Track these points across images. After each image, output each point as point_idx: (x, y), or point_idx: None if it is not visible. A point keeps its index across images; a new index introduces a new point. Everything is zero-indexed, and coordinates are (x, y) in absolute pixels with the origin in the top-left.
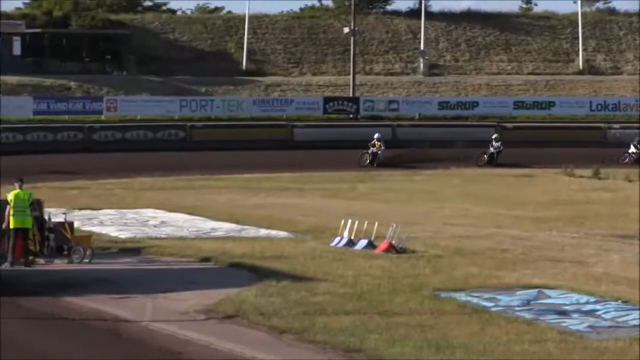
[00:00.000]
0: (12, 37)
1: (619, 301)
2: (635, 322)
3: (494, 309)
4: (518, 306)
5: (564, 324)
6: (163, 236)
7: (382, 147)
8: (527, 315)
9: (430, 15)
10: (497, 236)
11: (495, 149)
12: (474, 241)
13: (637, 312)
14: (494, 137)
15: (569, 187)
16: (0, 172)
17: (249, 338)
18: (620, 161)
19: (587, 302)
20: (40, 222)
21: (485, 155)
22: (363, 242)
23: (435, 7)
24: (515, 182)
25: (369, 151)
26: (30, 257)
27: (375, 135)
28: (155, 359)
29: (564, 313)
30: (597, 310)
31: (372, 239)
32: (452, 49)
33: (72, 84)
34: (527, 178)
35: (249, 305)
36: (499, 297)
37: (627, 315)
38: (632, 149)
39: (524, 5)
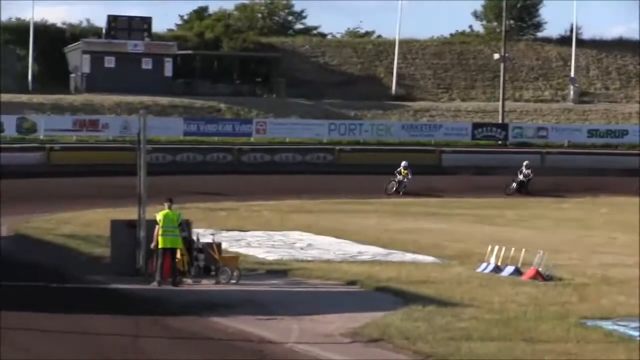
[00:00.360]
0: (164, 59)
1: None
2: None
3: None
4: None
5: None
6: (309, 259)
7: (409, 176)
8: None
9: (581, 43)
10: None
11: (525, 176)
12: (622, 269)
13: None
14: (525, 164)
15: None
16: (150, 192)
17: None
18: None
19: None
20: (188, 242)
21: (514, 183)
22: (510, 269)
23: (586, 34)
24: None
25: (396, 179)
26: (178, 277)
27: (403, 163)
28: None
29: None
30: None
31: (519, 265)
32: (602, 76)
33: (222, 105)
34: None
35: (394, 329)
36: None
37: None
38: None
39: None
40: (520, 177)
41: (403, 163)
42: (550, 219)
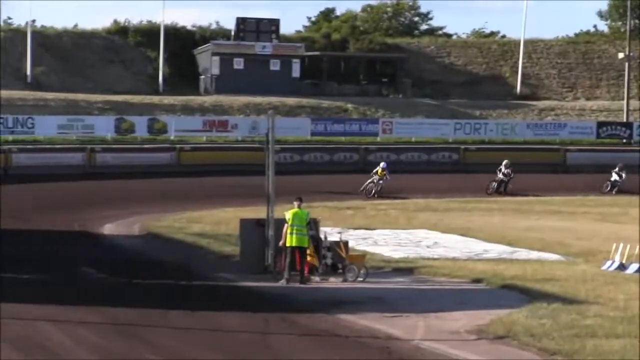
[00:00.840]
0: (292, 60)
1: None
2: None
3: None
4: None
5: None
6: (435, 257)
7: (387, 177)
8: None
9: None
10: None
11: (505, 175)
12: None
13: None
14: (504, 163)
15: None
16: (278, 191)
17: (519, 359)
18: None
19: None
20: (316, 240)
21: (494, 183)
22: (634, 266)
23: None
24: None
25: (497, 178)
26: (306, 275)
27: (381, 164)
28: None
29: None
30: None
31: None
32: None
33: (349, 106)
34: None
35: (520, 326)
36: None
37: None
38: None
39: None
40: (500, 175)
41: (382, 164)
42: None
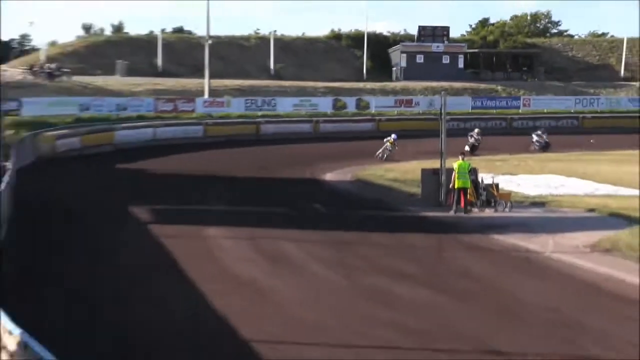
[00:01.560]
0: (457, 55)
1: None
2: None
3: None
4: None
5: None
6: (561, 194)
7: (396, 147)
8: None
9: None
10: None
11: (476, 140)
12: None
13: None
14: (476, 131)
15: None
16: (447, 149)
17: (622, 266)
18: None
19: None
20: (475, 183)
21: (466, 146)
22: None
23: None
24: None
25: (386, 147)
26: (468, 208)
27: (392, 136)
28: (554, 277)
29: None
30: None
31: None
32: None
33: (499, 87)
34: None
35: (623, 242)
36: None
37: None
38: None
39: None
40: (471, 140)
41: (393, 135)
42: None
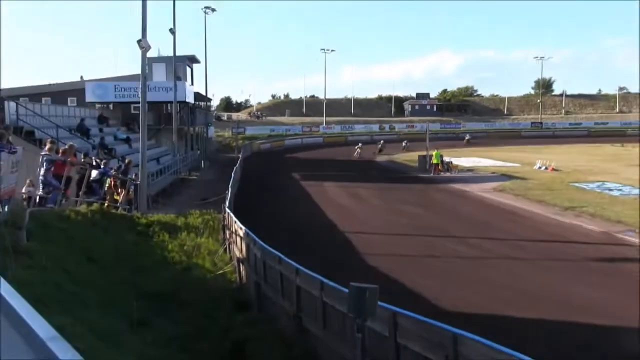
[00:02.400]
0: (433, 105)
1: None
2: None
3: None
4: None
5: None
6: (479, 165)
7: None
8: None
9: None
10: None
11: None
12: None
13: None
14: (381, 142)
15: None
16: (427, 147)
17: (508, 197)
18: None
19: None
20: (442, 161)
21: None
22: (540, 165)
23: None
24: None
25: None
26: (439, 173)
27: (359, 145)
28: (476, 202)
29: None
30: None
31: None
32: None
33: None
34: None
35: (508, 187)
36: None
37: None
38: None
39: None
40: (379, 146)
41: (382, 140)
42: None
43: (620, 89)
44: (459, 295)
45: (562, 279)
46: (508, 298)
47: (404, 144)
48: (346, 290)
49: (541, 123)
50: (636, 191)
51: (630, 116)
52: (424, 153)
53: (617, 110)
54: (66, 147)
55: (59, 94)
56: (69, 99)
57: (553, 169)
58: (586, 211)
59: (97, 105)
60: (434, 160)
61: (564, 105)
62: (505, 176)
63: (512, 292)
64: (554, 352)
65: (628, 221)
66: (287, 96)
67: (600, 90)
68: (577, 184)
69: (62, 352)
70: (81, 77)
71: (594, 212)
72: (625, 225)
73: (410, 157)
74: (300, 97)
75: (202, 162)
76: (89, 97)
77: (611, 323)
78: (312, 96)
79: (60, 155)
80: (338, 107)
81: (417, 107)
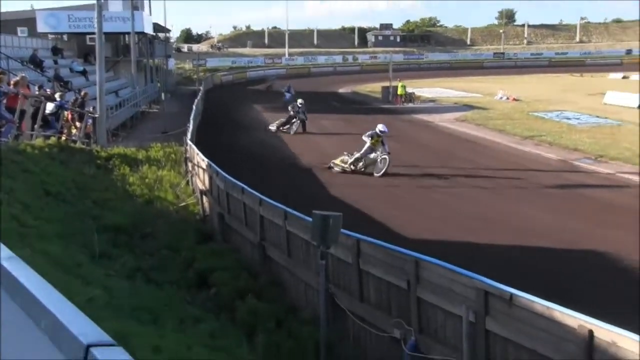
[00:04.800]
0: (397, 36)
1: None
2: None
3: None
4: None
5: None
6: (442, 96)
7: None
8: None
9: None
10: None
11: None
12: None
13: None
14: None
15: None
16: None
17: (468, 127)
18: None
19: None
20: (407, 93)
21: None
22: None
23: None
24: None
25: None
26: (402, 104)
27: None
28: (438, 131)
29: None
30: None
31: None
32: None
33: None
34: None
35: (469, 117)
36: None
37: None
38: None
39: None
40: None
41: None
42: None
43: (582, 18)
44: (421, 224)
45: (521, 206)
46: (469, 225)
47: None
48: (310, 218)
49: (503, 53)
50: (593, 119)
51: (589, 46)
52: (387, 84)
53: (577, 40)
54: (18, 78)
55: (7, 23)
56: (18, 29)
57: (514, 99)
58: (545, 140)
59: (50, 36)
60: (400, 92)
61: (526, 35)
62: (467, 106)
63: (472, 219)
64: (509, 276)
65: (585, 149)
66: (248, 27)
67: (561, 20)
68: (536, 114)
69: (18, 271)
70: (31, 6)
71: (552, 141)
72: (582, 153)
73: (373, 88)
74: (262, 29)
75: (163, 95)
76: (40, 28)
77: (568, 247)
78: (274, 27)
79: (12, 87)
80: (300, 38)
81: (380, 37)
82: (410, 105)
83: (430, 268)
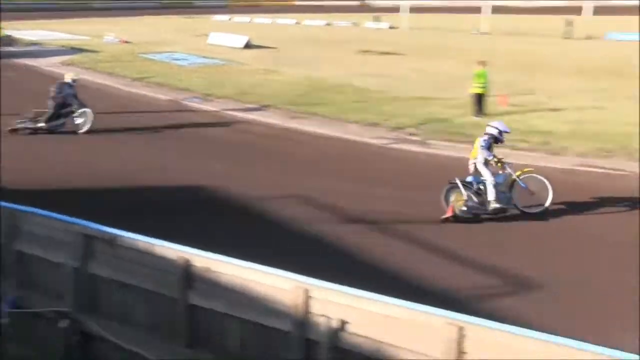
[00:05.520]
0: None
1: None
2: None
3: None
4: None
5: None
6: (50, 39)
7: None
8: None
9: None
10: None
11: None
12: None
13: None
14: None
15: None
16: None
17: (74, 70)
18: None
19: None
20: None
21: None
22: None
23: None
24: None
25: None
26: None
27: None
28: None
29: None
30: None
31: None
32: None
33: None
34: None
35: (77, 60)
36: None
37: None
38: None
39: None
40: None
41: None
42: None
43: None
44: (23, 173)
45: (133, 149)
46: (70, 171)
47: None
48: None
49: None
50: (200, 60)
51: None
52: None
53: None
54: None
55: None
56: None
57: (124, 42)
58: (154, 81)
59: None
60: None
61: None
62: (75, 49)
63: (74, 166)
64: (116, 219)
65: (194, 88)
66: None
67: None
68: (146, 55)
69: None
70: None
71: (161, 82)
72: (191, 92)
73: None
74: None
75: None
76: None
77: (179, 183)
78: None
79: None
80: None
81: None
82: (11, 48)
83: (27, 218)
